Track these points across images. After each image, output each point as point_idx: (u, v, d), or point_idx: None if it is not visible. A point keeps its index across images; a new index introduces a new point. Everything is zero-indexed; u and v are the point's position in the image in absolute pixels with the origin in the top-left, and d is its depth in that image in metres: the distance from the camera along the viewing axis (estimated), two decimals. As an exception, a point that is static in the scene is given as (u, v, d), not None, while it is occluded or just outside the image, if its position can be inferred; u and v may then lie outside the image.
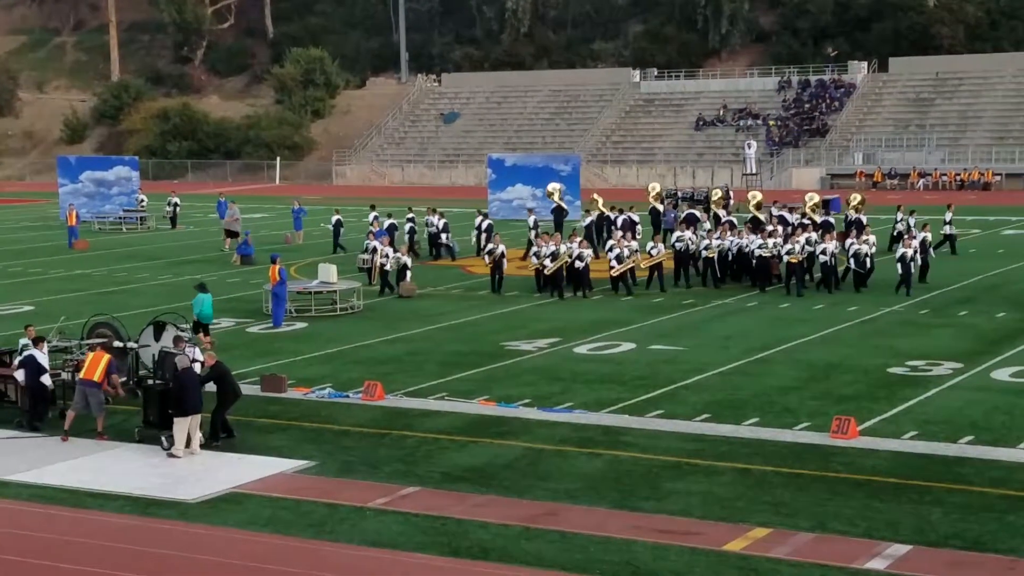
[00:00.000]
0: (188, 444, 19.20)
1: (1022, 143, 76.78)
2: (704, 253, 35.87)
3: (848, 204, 44.06)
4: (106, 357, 20.63)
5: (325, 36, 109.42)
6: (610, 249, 35.59)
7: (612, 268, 34.85)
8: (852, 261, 34.58)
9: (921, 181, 75.58)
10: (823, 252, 34.30)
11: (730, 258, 36.08)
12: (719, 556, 14.57)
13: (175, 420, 19.18)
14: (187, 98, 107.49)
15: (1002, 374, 23.91)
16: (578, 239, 35.79)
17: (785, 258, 34.47)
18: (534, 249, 35.84)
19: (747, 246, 35.61)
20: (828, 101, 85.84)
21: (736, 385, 23.42)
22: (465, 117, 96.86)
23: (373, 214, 44.74)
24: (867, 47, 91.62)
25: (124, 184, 64.82)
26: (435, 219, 44.20)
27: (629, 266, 34.95)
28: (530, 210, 47.17)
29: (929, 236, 36.75)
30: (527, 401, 22.40)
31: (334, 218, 47.19)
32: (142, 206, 61.66)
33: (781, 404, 21.84)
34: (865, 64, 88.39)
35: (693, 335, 28.73)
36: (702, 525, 15.64)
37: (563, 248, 34.86)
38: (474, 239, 44.29)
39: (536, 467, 18.39)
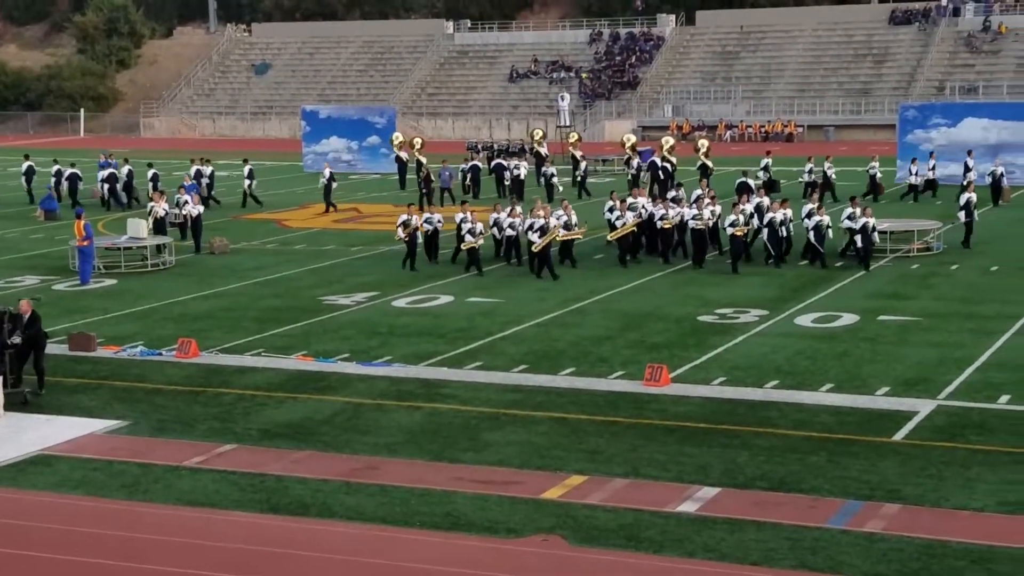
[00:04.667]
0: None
1: (822, 95, 79.28)
2: (659, 224, 31.77)
3: (698, 152, 45.33)
4: None
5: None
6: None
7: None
8: (812, 234, 30.72)
9: (728, 133, 77.49)
10: (769, 224, 30.79)
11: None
12: (537, 504, 14.82)
13: None
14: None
15: (805, 320, 24.82)
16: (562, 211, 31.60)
17: (729, 230, 30.37)
18: (468, 225, 30.50)
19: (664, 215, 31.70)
20: (638, 54, 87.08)
21: (552, 336, 23.76)
22: (277, 68, 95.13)
23: (196, 168, 44.72)
24: (674, 0, 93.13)
25: (-84, 137, 62.02)
26: (206, 169, 45.22)
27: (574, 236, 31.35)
28: (327, 163, 47.73)
29: (975, 197, 33.40)
30: (345, 356, 22.33)
31: (122, 171, 45.92)
32: (-63, 160, 59.05)
33: (596, 354, 22.26)
34: (673, 17, 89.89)
35: (510, 287, 28.98)
36: (521, 475, 15.88)
37: (553, 221, 30.36)
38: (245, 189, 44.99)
39: (355, 422, 18.37)
